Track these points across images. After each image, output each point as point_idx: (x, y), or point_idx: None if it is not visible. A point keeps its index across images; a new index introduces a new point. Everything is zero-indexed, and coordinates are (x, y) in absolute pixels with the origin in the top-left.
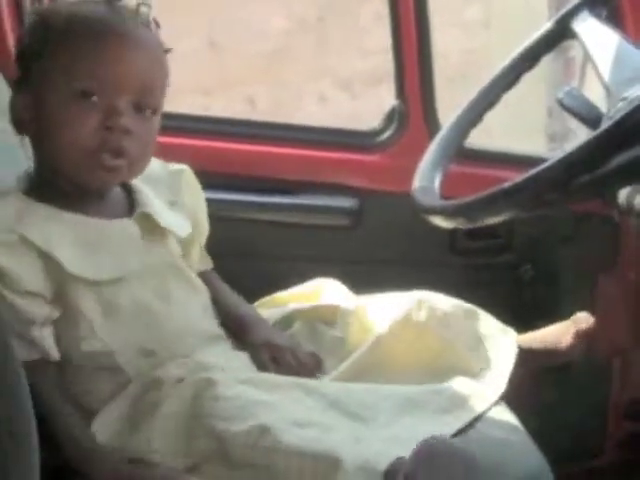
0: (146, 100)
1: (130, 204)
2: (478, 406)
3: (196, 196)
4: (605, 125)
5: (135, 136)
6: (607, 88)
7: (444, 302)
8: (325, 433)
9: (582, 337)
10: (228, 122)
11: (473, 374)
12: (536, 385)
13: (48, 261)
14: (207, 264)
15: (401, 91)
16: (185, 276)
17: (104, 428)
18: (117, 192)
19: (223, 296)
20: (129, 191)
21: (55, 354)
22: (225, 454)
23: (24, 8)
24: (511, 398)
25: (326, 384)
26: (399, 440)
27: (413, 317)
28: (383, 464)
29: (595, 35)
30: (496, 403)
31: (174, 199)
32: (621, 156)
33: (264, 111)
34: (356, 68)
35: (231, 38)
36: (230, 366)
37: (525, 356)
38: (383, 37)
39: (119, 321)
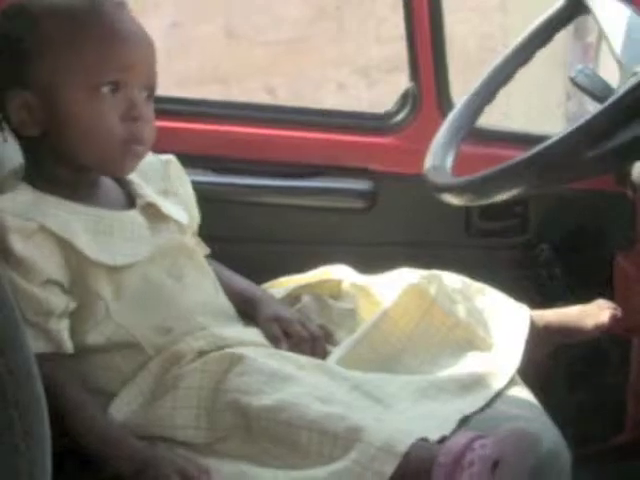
0: (152, 85)
1: (127, 195)
2: (496, 383)
3: (185, 185)
4: (610, 99)
5: (149, 122)
6: (620, 63)
7: (454, 279)
8: (348, 411)
9: (604, 322)
10: (245, 107)
11: (485, 349)
12: (555, 364)
13: (66, 249)
14: (204, 250)
15: (415, 74)
16: (195, 256)
17: (124, 407)
18: (110, 184)
19: (227, 277)
20: (122, 183)
21: (69, 347)
22: (248, 428)
23: None
24: (530, 376)
25: (348, 371)
26: (421, 420)
27: (422, 290)
28: (405, 444)
29: (608, 10)
30: (513, 380)
31: (166, 188)
32: (627, 130)
33: (283, 100)
34: (374, 56)
35: (249, 27)
36: (249, 340)
37: (543, 332)
38: (400, 24)
39: (134, 303)
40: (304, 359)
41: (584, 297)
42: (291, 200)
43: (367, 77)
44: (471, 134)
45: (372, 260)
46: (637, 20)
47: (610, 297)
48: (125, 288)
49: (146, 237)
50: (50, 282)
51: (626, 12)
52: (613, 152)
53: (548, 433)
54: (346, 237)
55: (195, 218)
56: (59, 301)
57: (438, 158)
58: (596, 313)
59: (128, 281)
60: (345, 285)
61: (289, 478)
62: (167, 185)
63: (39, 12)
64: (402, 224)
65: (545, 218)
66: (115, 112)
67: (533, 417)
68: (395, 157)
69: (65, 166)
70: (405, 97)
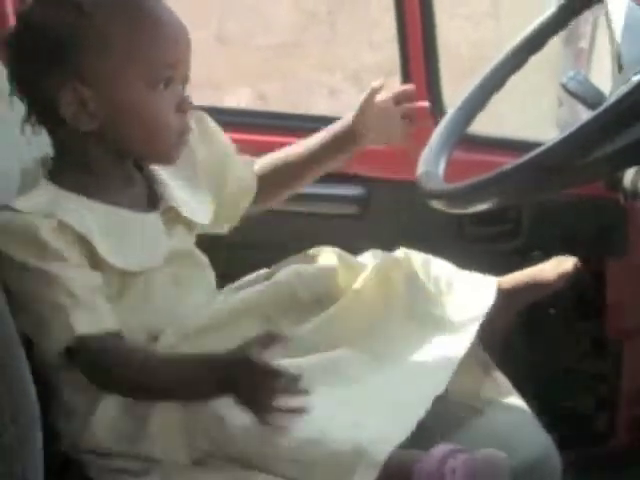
0: (189, 70)
1: (151, 195)
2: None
3: (210, 141)
4: (602, 106)
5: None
6: (619, 65)
7: (419, 257)
8: (325, 431)
9: (562, 276)
10: (236, 113)
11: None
12: (546, 367)
13: (84, 246)
14: (250, 164)
15: (407, 80)
16: (198, 261)
17: (109, 410)
18: (140, 181)
19: (285, 154)
20: (151, 180)
21: (115, 323)
22: (226, 447)
23: None
24: (497, 343)
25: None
26: (393, 417)
27: (384, 273)
28: (383, 453)
29: (619, 4)
30: (503, 385)
31: (191, 174)
32: (619, 137)
33: (275, 105)
34: (366, 61)
35: (240, 32)
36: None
37: (507, 294)
38: (392, 29)
39: (132, 306)
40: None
41: None
42: (283, 206)
43: (359, 83)
44: (464, 140)
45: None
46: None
47: (602, 302)
48: (128, 291)
49: (161, 242)
50: (79, 266)
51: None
52: (605, 159)
53: (538, 438)
54: (338, 243)
55: (233, 161)
56: (92, 278)
57: (430, 164)
58: (557, 264)
59: (133, 285)
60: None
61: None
62: (191, 171)
63: (91, 5)
64: (394, 230)
65: (538, 224)
66: (170, 106)
67: (523, 422)
68: (388, 163)
69: (110, 159)
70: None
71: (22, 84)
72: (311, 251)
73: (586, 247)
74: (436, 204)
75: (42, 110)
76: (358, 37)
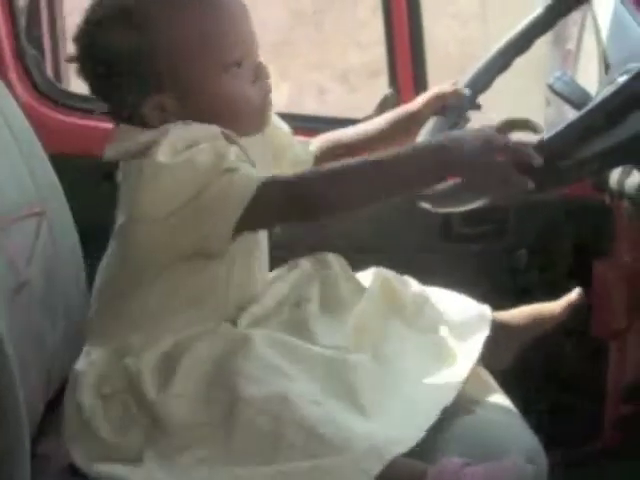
0: (255, 36)
1: None
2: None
3: (278, 134)
4: (588, 107)
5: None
6: (606, 65)
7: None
8: (338, 414)
9: (569, 309)
10: None
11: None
12: (531, 368)
13: None
14: (308, 147)
15: (394, 79)
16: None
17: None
18: None
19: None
20: None
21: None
22: (234, 416)
23: (17, 9)
24: (505, 377)
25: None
26: (405, 420)
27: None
28: (391, 453)
29: (605, 4)
30: (490, 385)
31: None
32: (604, 138)
33: None
34: (354, 61)
35: None
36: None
37: (511, 329)
38: (380, 29)
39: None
40: (303, 349)
41: None
42: None
43: (347, 82)
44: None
45: (352, 265)
46: (629, 21)
47: (588, 303)
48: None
49: None
50: None
51: (621, 11)
52: (590, 159)
53: (525, 438)
54: (326, 242)
55: (291, 146)
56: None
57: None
58: (563, 299)
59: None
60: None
61: (272, 471)
62: (264, 154)
63: (143, 16)
64: (382, 229)
65: (524, 224)
66: (246, 82)
67: (509, 422)
68: None
69: None
70: (384, 103)
71: (102, 98)
72: (319, 256)
73: (572, 247)
74: (423, 204)
75: (128, 116)
76: (345, 37)
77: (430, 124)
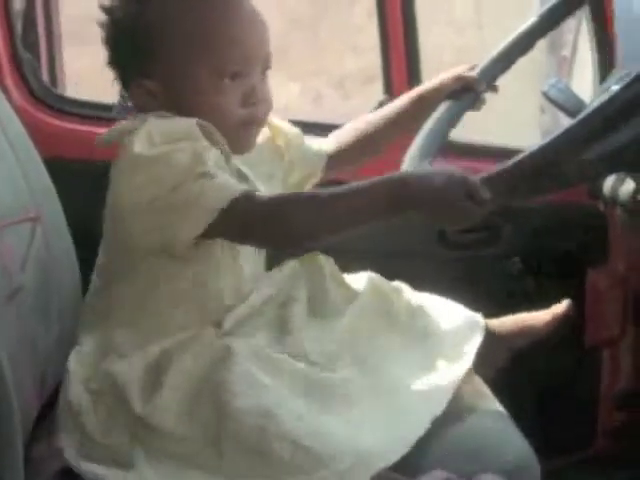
0: (268, 63)
1: None
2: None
3: (292, 146)
4: (582, 114)
5: (266, 101)
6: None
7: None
8: (321, 427)
9: (559, 318)
10: None
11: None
12: (525, 375)
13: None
14: (321, 148)
15: (389, 86)
16: None
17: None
18: None
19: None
20: None
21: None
22: (220, 429)
23: (13, 15)
24: (496, 385)
25: (327, 378)
26: (392, 433)
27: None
28: (376, 467)
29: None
30: (482, 392)
31: (272, 172)
32: (598, 145)
33: None
34: (350, 66)
35: None
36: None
37: (502, 336)
38: (376, 36)
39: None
40: (287, 364)
41: None
42: None
43: (342, 88)
44: (446, 147)
45: (346, 271)
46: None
47: (581, 311)
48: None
49: None
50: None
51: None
52: (584, 167)
53: (517, 444)
54: (320, 250)
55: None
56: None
57: (412, 168)
58: (552, 308)
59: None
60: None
61: None
62: (274, 167)
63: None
64: (376, 235)
65: (518, 231)
66: (236, 98)
67: (502, 428)
68: (369, 169)
69: None
70: (378, 109)
71: (112, 69)
72: (309, 256)
73: (566, 255)
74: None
75: (127, 93)
76: (341, 43)
77: (442, 108)
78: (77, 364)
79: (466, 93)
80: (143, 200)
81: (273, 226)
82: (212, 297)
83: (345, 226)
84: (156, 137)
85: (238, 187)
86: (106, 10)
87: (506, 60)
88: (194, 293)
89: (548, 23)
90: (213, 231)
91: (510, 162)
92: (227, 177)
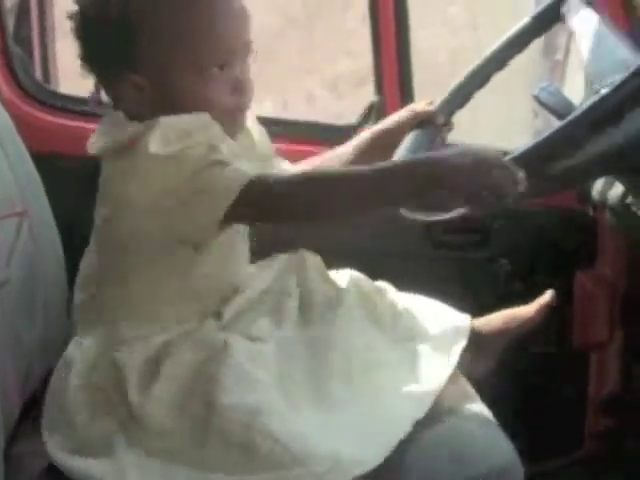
0: (250, 47)
1: None
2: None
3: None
4: (570, 117)
5: (251, 88)
6: (587, 79)
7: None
8: (306, 428)
9: (543, 310)
10: None
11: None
12: (511, 378)
13: None
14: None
15: (380, 87)
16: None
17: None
18: None
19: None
20: None
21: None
22: (207, 422)
23: (3, 9)
24: (482, 385)
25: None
26: (373, 438)
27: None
28: (352, 473)
29: (582, 22)
30: (467, 394)
31: (264, 151)
32: (586, 148)
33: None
34: (343, 68)
35: None
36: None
37: (488, 334)
38: (369, 40)
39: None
40: (280, 363)
41: None
42: None
43: (335, 90)
44: (437, 149)
45: (330, 267)
46: (607, 35)
47: (570, 314)
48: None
49: None
50: None
51: (600, 26)
52: (572, 169)
53: (501, 447)
54: (310, 248)
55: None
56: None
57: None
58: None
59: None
60: None
61: None
62: (265, 148)
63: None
64: (365, 235)
65: (507, 233)
66: (224, 88)
67: (485, 431)
68: None
69: None
70: (370, 110)
71: (86, 63)
72: (296, 252)
73: (555, 258)
74: (406, 213)
75: (107, 88)
76: (334, 45)
77: (409, 139)
78: (79, 356)
79: (427, 127)
80: (162, 196)
81: (291, 203)
82: (212, 290)
83: (365, 206)
84: (170, 134)
85: (252, 171)
86: (87, 3)
87: (466, 92)
88: (196, 287)
89: (521, 41)
90: (233, 215)
91: None
92: (241, 162)
